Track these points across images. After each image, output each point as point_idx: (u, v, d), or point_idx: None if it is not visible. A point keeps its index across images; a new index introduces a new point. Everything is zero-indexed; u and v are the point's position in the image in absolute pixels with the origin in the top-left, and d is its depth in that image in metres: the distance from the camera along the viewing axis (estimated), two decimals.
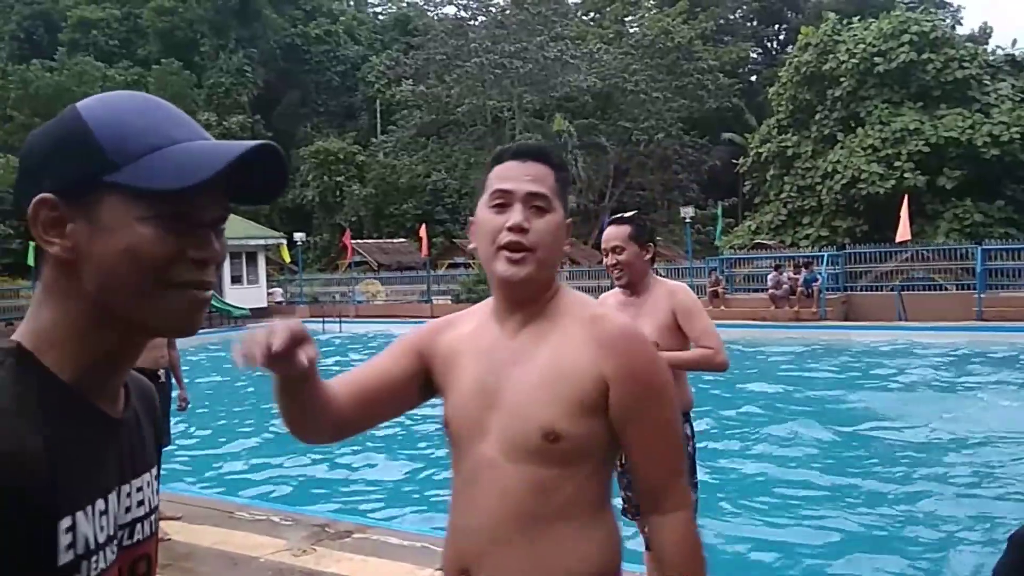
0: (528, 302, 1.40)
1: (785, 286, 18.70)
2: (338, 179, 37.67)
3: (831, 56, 25.82)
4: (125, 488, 0.84)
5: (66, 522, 0.74)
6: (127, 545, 0.84)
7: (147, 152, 0.75)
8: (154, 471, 0.91)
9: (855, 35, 25.82)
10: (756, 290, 20.63)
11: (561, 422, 1.30)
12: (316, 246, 34.71)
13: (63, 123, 0.78)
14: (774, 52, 44.19)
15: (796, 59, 27.27)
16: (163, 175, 0.74)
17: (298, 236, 27.25)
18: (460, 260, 29.40)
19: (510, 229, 1.35)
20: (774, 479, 6.75)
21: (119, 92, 0.82)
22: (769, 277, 19.24)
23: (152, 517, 0.89)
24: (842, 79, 25.52)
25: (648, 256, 3.11)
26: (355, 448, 7.69)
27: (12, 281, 22.88)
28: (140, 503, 0.86)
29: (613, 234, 3.11)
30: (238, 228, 28.41)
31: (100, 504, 0.79)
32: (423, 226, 26.25)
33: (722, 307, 19.62)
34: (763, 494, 6.33)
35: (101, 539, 0.78)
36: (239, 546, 4.50)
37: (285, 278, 30.29)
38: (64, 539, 0.73)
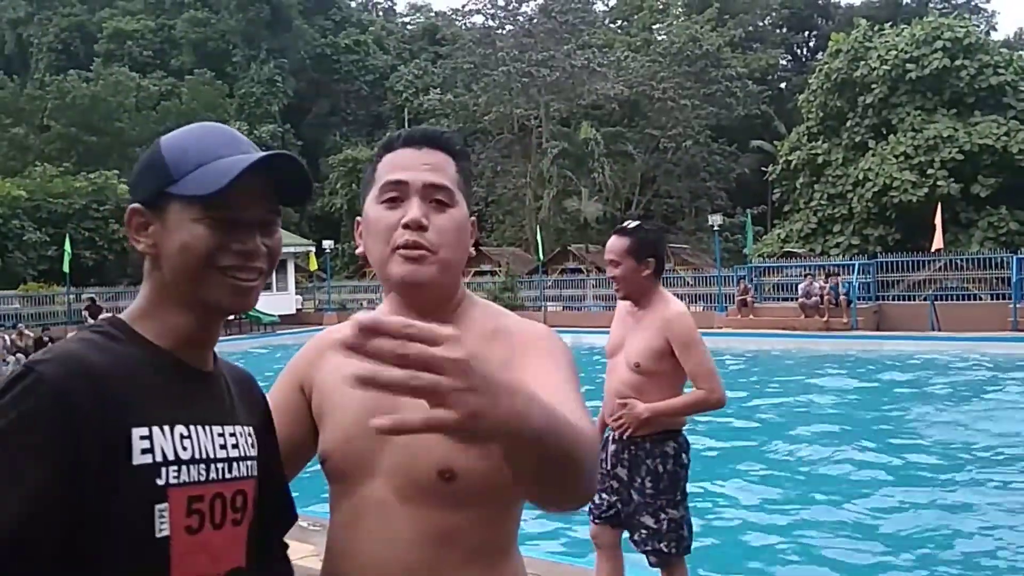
0: (429, 312, 1.13)
1: (815, 296, 18.49)
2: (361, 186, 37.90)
3: (862, 63, 25.54)
4: (217, 429, 1.03)
5: (141, 431, 0.93)
6: (228, 478, 1.02)
7: (197, 167, 0.98)
8: (249, 430, 1.10)
9: (887, 41, 25.52)
10: (786, 299, 20.42)
11: (459, 459, 1.08)
12: (344, 254, 34.96)
13: (150, 150, 1.04)
14: (804, 59, 43.83)
15: (826, 66, 27.01)
16: (203, 184, 0.96)
17: (327, 244, 27.48)
18: (487, 268, 29.48)
19: (406, 226, 1.14)
20: (801, 491, 6.66)
21: (196, 124, 1.06)
22: (800, 286, 19.04)
23: (248, 463, 1.07)
24: (874, 86, 25.22)
25: (647, 272, 2.97)
26: None
27: (48, 288, 23.30)
28: (235, 446, 1.05)
29: (611, 246, 3.02)
30: None
31: (181, 429, 0.98)
32: None
33: (751, 316, 19.45)
34: (792, 504, 6.25)
35: (185, 456, 0.97)
36: None
37: (314, 285, 30.54)
38: (139, 444, 0.93)
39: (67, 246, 19.85)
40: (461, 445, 1.02)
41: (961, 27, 25.00)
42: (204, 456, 0.99)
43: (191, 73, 38.96)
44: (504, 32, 36.75)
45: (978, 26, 30.84)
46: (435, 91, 38.50)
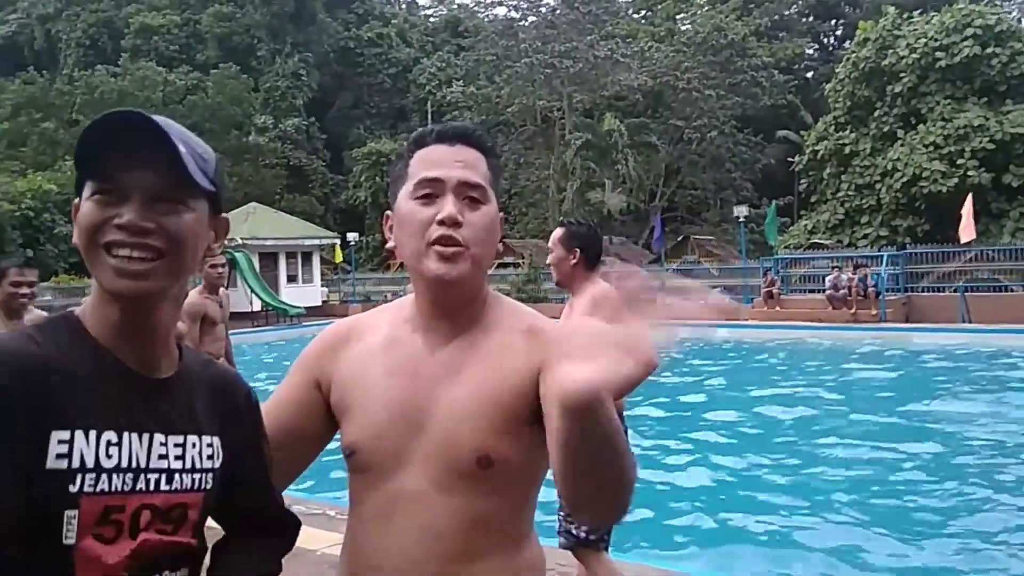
0: (458, 308, 1.20)
1: (843, 288, 18.28)
2: (389, 180, 38.06)
3: (891, 51, 25.15)
4: (159, 437, 0.99)
5: (61, 435, 0.90)
6: (163, 489, 0.98)
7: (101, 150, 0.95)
8: (211, 440, 1.06)
9: (916, 29, 25.11)
10: (812, 291, 20.21)
11: (496, 446, 1.14)
12: (368, 246, 35.15)
13: None
14: (831, 48, 43.24)
15: (854, 55, 26.63)
16: (81, 162, 0.96)
17: (351, 236, 27.66)
18: (509, 260, 29.46)
19: (441, 223, 1.15)
20: (827, 484, 6.61)
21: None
22: (827, 278, 18.84)
23: (198, 475, 1.02)
24: (902, 75, 24.84)
25: (574, 260, 3.25)
26: None
27: (80, 280, 23.66)
28: (179, 457, 1.01)
29: (552, 236, 3.36)
30: (294, 229, 28.96)
31: (111, 435, 0.94)
32: None
33: (777, 308, 19.28)
34: (819, 494, 6.20)
35: (108, 464, 0.93)
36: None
37: (339, 277, 30.75)
38: (56, 448, 0.90)
39: None
40: (497, 432, 1.14)
41: (993, 14, 24.53)
42: (132, 465, 0.95)
43: (216, 67, 39.27)
44: (527, 23, 36.64)
45: (1010, 13, 30.24)
46: (458, 83, 38.50)
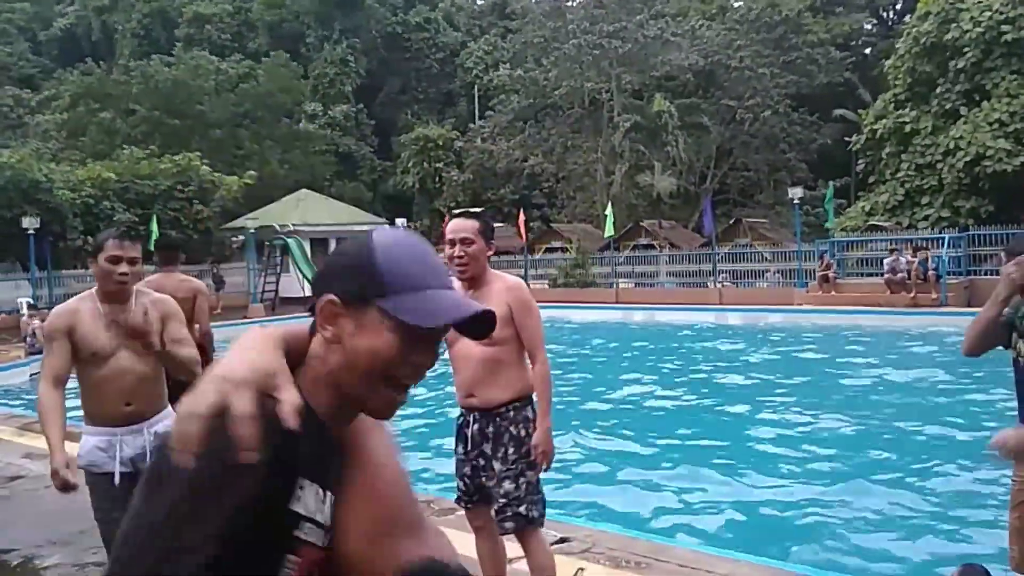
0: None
1: (902, 272, 17.73)
2: (437, 165, 38.17)
3: (953, 25, 24.17)
4: (331, 495, 1.05)
5: (301, 482, 0.99)
6: (328, 547, 1.03)
7: (410, 291, 1.03)
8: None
9: (980, 2, 24.05)
10: (870, 274, 19.65)
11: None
12: (416, 231, 35.32)
13: (359, 249, 1.07)
14: (890, 23, 41.80)
15: (915, 29, 25.66)
16: (416, 314, 1.02)
17: (399, 222, 27.83)
18: (557, 244, 29.30)
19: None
20: (890, 472, 6.39)
21: (403, 234, 1.11)
22: (886, 261, 18.30)
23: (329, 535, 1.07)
24: (966, 49, 23.86)
25: (490, 253, 3.22)
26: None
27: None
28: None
29: (463, 226, 3.18)
30: (343, 214, 29.25)
31: (318, 490, 1.01)
32: (520, 210, 26.27)
33: (832, 292, 18.81)
34: (880, 485, 6.00)
35: (315, 515, 1.00)
36: None
37: None
38: (297, 492, 0.98)
39: (153, 226, 20.52)
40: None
41: None
42: (327, 524, 1.02)
43: (267, 55, 39.71)
44: (574, 4, 36.25)
45: None
46: (505, 66, 38.31)
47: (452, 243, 3.16)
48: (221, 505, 0.89)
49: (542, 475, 3.25)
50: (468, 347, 3.11)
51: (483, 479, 3.24)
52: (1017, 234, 18.83)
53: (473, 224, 3.19)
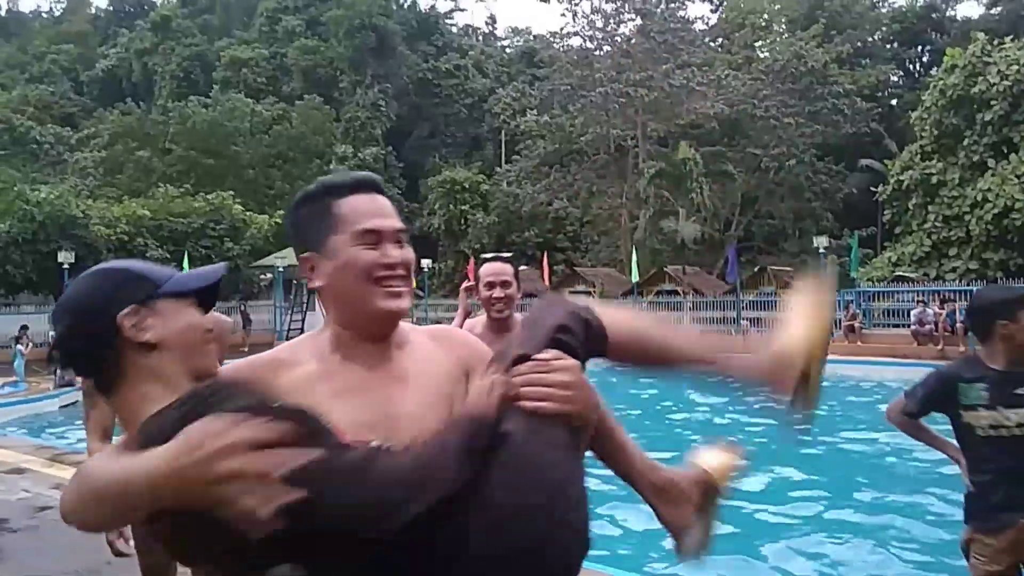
0: (391, 332, 1.39)
1: (929, 323, 17.57)
2: (463, 207, 38.59)
3: (980, 78, 24.26)
4: None
5: None
6: None
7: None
8: None
9: (1007, 56, 24.16)
10: (896, 325, 19.47)
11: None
12: (441, 272, 35.58)
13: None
14: (917, 75, 41.99)
15: (941, 82, 25.78)
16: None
17: (424, 263, 28.05)
18: (580, 288, 29.37)
19: (391, 266, 1.33)
20: (920, 526, 6.31)
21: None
22: (913, 312, 18.14)
23: None
24: (993, 102, 23.90)
25: (519, 297, 3.27)
26: None
27: None
28: None
29: (503, 269, 3.22)
30: None
31: None
32: (544, 254, 26.43)
33: (858, 343, 18.65)
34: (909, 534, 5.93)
35: None
36: None
37: (411, 303, 31.14)
38: None
39: (186, 263, 20.98)
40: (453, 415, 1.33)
41: None
42: None
43: (301, 98, 40.67)
44: (601, 53, 36.76)
45: None
46: (532, 112, 38.81)
47: (491, 285, 3.16)
48: None
49: None
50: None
51: None
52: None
53: (511, 268, 3.23)
